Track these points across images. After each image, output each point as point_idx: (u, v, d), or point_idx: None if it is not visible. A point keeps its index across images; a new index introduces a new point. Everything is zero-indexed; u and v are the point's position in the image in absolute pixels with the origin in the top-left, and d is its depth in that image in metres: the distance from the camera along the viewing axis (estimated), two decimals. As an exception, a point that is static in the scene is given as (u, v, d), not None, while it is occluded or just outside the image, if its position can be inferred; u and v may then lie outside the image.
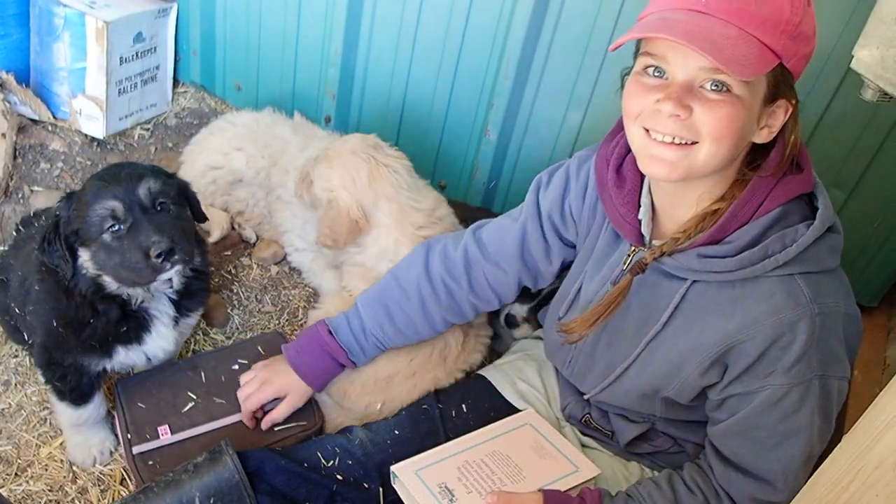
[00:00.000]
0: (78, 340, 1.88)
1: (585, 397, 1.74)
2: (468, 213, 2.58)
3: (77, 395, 1.97)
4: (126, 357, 1.95)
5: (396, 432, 1.81)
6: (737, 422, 1.44)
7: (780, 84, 1.29)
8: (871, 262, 2.21)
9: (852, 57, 1.41)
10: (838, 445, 1.09)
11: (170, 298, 1.97)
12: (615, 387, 1.63)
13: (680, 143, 1.30)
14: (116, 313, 1.89)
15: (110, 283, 1.86)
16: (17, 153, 2.74)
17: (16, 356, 2.27)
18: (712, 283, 1.41)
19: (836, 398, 1.41)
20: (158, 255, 1.71)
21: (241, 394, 1.97)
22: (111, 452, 2.10)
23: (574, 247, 1.76)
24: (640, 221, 1.51)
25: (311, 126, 2.76)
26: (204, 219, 2.01)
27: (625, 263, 1.54)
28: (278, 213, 2.60)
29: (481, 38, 2.39)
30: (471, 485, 1.60)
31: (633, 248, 1.53)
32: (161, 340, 1.98)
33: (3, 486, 1.98)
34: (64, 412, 2.03)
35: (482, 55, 2.42)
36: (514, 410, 1.85)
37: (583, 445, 1.82)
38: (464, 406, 1.88)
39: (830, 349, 1.37)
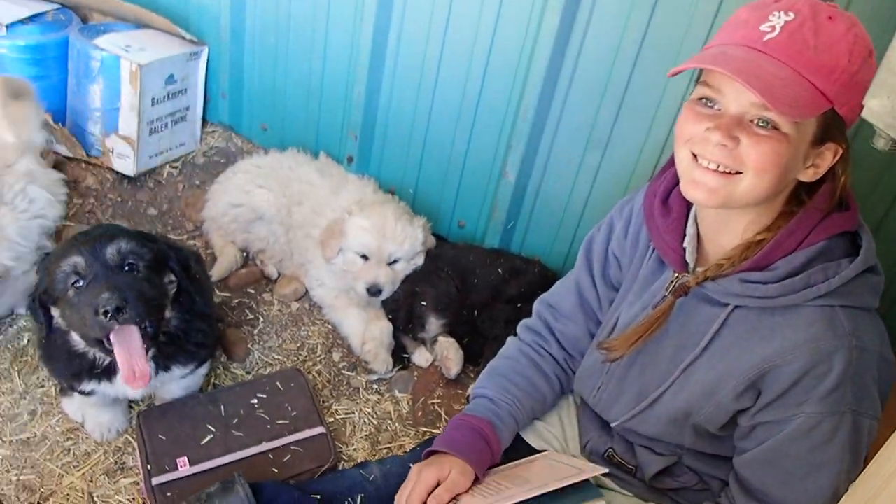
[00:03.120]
0: (55, 371, 2.06)
1: (613, 424, 1.74)
2: (483, 255, 2.64)
3: (78, 392, 2.10)
4: (98, 388, 2.03)
5: (410, 465, 1.82)
6: (766, 450, 1.44)
7: (831, 128, 1.32)
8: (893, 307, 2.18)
9: (863, 106, 1.44)
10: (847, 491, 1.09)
11: None
12: (646, 413, 1.63)
13: (724, 172, 1.34)
14: (86, 363, 1.96)
15: (77, 342, 1.93)
16: (51, 189, 2.84)
17: (42, 386, 2.33)
18: (753, 308, 1.43)
19: (865, 437, 1.41)
20: (105, 313, 1.71)
21: (400, 495, 1.69)
22: (119, 432, 2.23)
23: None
24: (684, 249, 1.55)
25: (337, 167, 2.84)
26: (189, 287, 2.00)
27: (667, 290, 1.56)
28: (304, 249, 2.67)
29: (500, 82, 2.44)
30: (475, 492, 1.62)
31: (676, 275, 1.55)
32: (128, 387, 1.95)
33: (25, 515, 2.02)
34: (72, 402, 2.22)
35: (501, 98, 2.47)
36: (533, 451, 1.86)
37: (599, 486, 1.81)
38: None
39: (865, 386, 1.37)
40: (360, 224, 2.48)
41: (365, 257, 2.50)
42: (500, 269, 2.56)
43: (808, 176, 1.38)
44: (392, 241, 2.48)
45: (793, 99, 1.24)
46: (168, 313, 1.96)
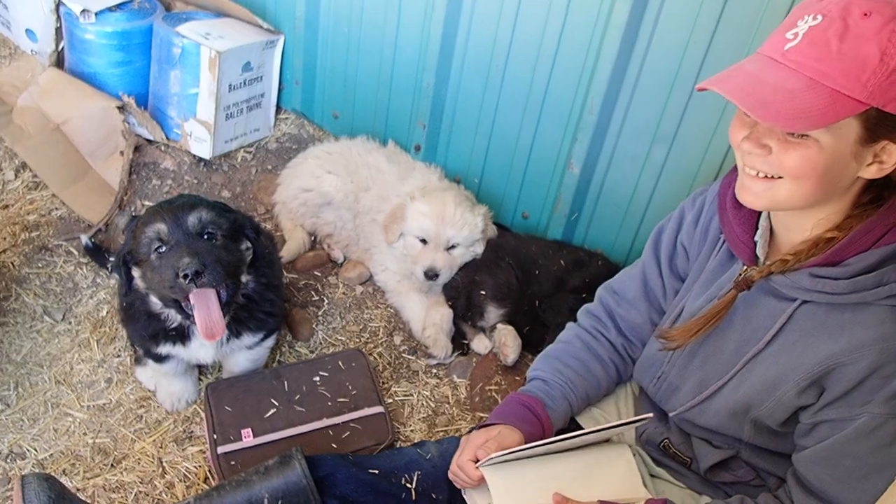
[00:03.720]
0: (135, 332, 2.15)
1: (672, 414, 1.74)
2: (545, 246, 2.65)
3: (151, 358, 2.22)
4: (173, 351, 2.14)
5: None
6: (826, 448, 1.43)
7: (880, 126, 1.29)
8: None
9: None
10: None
11: None
12: (706, 405, 1.63)
13: (765, 177, 1.36)
14: (162, 325, 2.07)
15: (155, 303, 2.03)
16: (133, 170, 2.97)
17: (118, 356, 2.45)
18: (822, 304, 1.42)
19: None
20: (185, 276, 1.82)
21: (452, 465, 1.72)
22: (188, 402, 2.34)
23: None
24: (755, 243, 1.55)
25: (404, 154, 2.89)
26: (264, 254, 2.12)
27: (734, 281, 1.56)
28: (370, 234, 2.73)
29: (568, 74, 2.45)
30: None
31: (745, 267, 1.55)
32: (201, 350, 2.14)
33: (100, 475, 2.13)
34: (145, 370, 2.34)
35: (568, 90, 2.48)
36: None
37: (653, 476, 1.81)
38: None
39: None
40: (420, 209, 2.53)
41: (424, 241, 2.54)
42: (562, 261, 2.57)
43: (871, 173, 1.35)
44: (450, 226, 2.52)
45: (801, 110, 1.22)
46: (244, 278, 2.05)
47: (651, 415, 1.70)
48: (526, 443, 1.65)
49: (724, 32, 2.11)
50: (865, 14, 1.22)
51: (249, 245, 2.05)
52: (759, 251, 1.54)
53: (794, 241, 1.48)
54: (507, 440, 1.65)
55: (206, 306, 1.91)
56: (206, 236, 1.91)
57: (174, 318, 2.05)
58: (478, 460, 1.62)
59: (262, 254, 2.10)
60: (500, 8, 2.47)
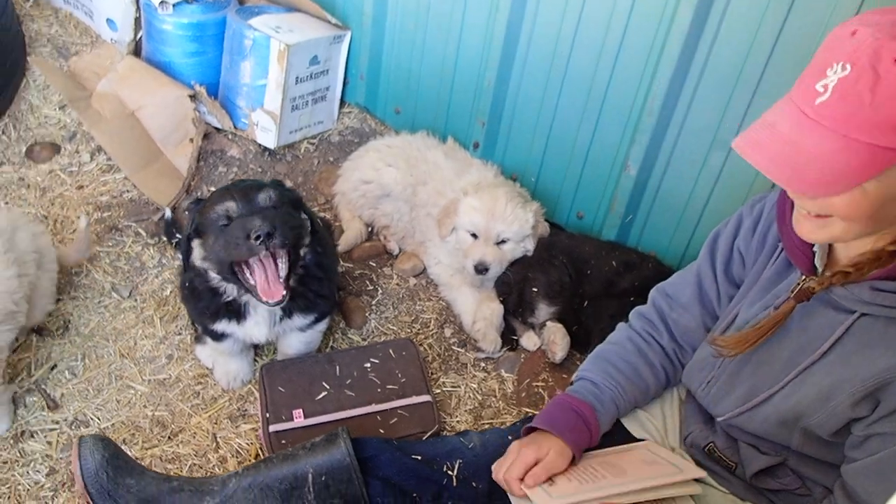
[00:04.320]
0: (195, 309, 2.23)
1: (719, 419, 1.73)
2: (599, 247, 2.66)
3: (209, 336, 2.31)
4: (229, 328, 2.21)
5: (510, 438, 1.88)
6: (877, 461, 1.41)
7: None
8: None
9: None
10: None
11: None
12: (755, 412, 1.62)
13: (817, 216, 1.35)
14: (218, 302, 2.15)
15: (213, 278, 2.11)
16: (201, 156, 3.08)
17: (179, 334, 2.55)
18: (880, 317, 1.40)
19: None
20: (258, 238, 1.88)
21: (498, 468, 1.75)
22: (243, 381, 2.42)
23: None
24: (814, 253, 1.53)
25: (462, 151, 2.93)
26: (319, 230, 2.20)
27: (791, 292, 1.54)
28: (425, 228, 2.78)
29: (628, 75, 2.46)
30: (571, 475, 1.66)
31: (802, 277, 1.54)
32: (255, 329, 2.21)
33: (157, 446, 2.23)
34: (204, 349, 2.43)
35: (628, 92, 2.49)
36: (632, 438, 1.88)
37: (695, 480, 1.81)
38: None
39: None
40: (472, 204, 2.56)
41: (475, 236, 2.58)
42: (614, 262, 2.58)
43: None
44: (500, 221, 2.54)
45: (838, 173, 1.21)
46: (302, 251, 2.12)
47: (704, 473, 1.71)
48: (574, 462, 1.71)
49: (789, 36, 2.09)
50: None
51: (306, 217, 2.13)
52: (818, 261, 1.52)
53: (854, 252, 1.46)
54: (556, 463, 1.68)
55: (265, 270, 2.00)
56: (272, 207, 2.00)
57: (231, 291, 2.13)
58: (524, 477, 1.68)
59: (318, 229, 2.17)
60: (564, 8, 2.49)
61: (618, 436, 1.86)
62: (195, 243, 2.07)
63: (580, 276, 2.58)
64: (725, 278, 1.80)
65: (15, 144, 3.11)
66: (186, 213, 2.10)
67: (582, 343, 2.54)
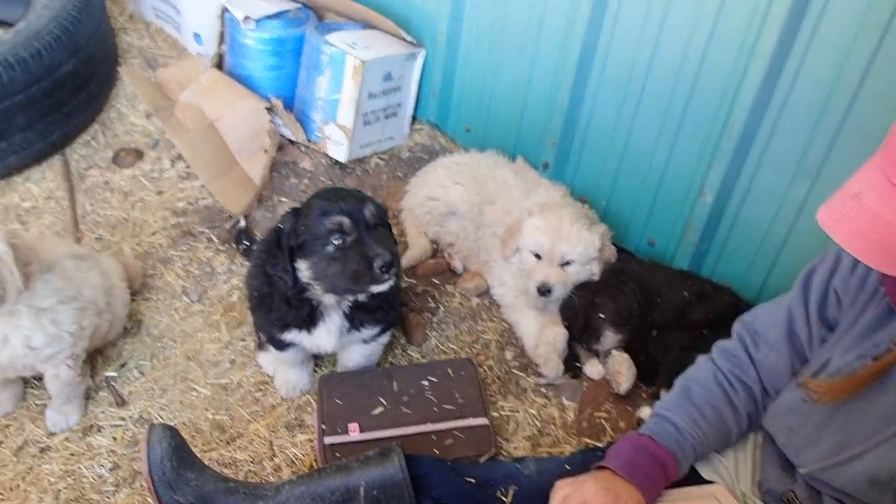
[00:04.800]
0: (266, 320, 2.22)
1: (802, 470, 1.63)
2: (670, 275, 2.58)
3: (273, 345, 2.31)
4: (297, 338, 2.21)
5: (567, 468, 1.82)
6: None
7: None
8: None
9: None
10: None
11: (344, 311, 2.18)
12: (843, 467, 1.51)
13: None
14: (305, 312, 2.14)
15: (316, 292, 2.10)
16: (274, 167, 3.14)
17: (243, 340, 2.58)
18: None
19: None
20: (381, 267, 1.90)
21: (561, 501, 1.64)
22: (302, 391, 2.43)
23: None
24: None
25: (531, 171, 2.90)
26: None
27: (894, 342, 1.45)
28: (490, 247, 2.75)
29: (708, 99, 2.39)
30: None
31: None
32: (324, 339, 2.21)
33: (215, 450, 2.25)
34: (267, 356, 2.44)
35: (707, 115, 2.41)
36: (701, 479, 1.79)
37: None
38: None
39: None
40: (536, 224, 2.52)
41: (538, 257, 2.53)
42: (686, 292, 2.48)
43: None
44: (565, 242, 2.49)
45: None
46: None
47: None
48: None
49: (882, 63, 1.99)
50: None
51: None
52: None
53: None
54: None
55: None
56: (377, 227, 2.00)
57: (328, 302, 2.13)
58: None
59: (397, 244, 2.17)
60: (641, 29, 2.45)
61: (687, 474, 1.76)
62: (301, 264, 2.03)
63: (650, 305, 2.49)
64: (819, 319, 1.67)
65: (103, 150, 3.24)
66: (280, 226, 2.08)
67: (648, 375, 2.46)
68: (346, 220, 1.95)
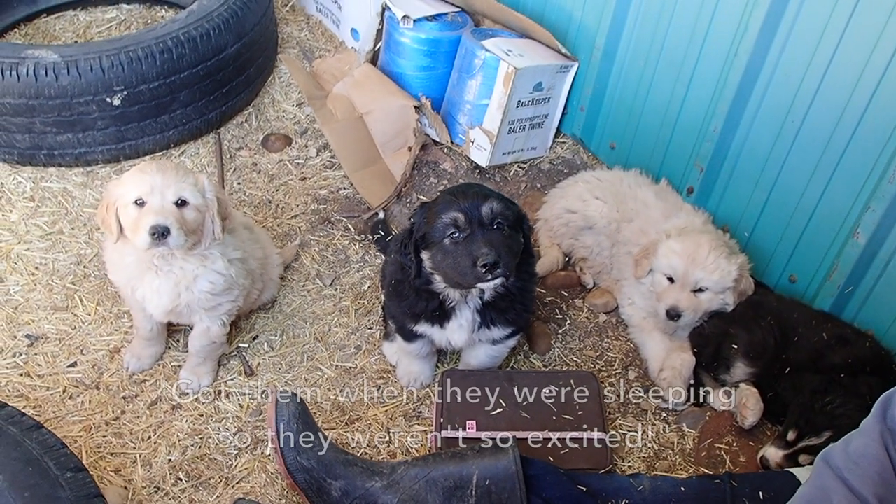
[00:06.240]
0: (399, 308, 2.28)
1: None
2: (810, 315, 2.48)
3: (402, 335, 2.37)
4: (428, 331, 2.27)
5: (682, 489, 1.78)
6: None
7: None
8: None
9: None
10: None
11: (476, 308, 2.21)
12: None
13: None
14: (434, 304, 2.20)
15: (438, 283, 2.15)
16: (416, 165, 3.22)
17: (370, 328, 2.66)
18: None
19: None
20: (484, 266, 1.94)
21: None
22: (423, 384, 2.49)
23: None
24: None
25: (674, 194, 2.85)
26: (530, 253, 2.22)
27: None
28: (623, 266, 2.72)
29: (873, 137, 2.27)
30: None
31: None
32: (455, 334, 2.25)
33: (335, 429, 2.33)
34: (391, 346, 2.52)
35: (869, 155, 2.30)
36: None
37: None
38: (761, 493, 1.79)
39: None
40: (672, 247, 2.48)
41: (671, 280, 2.48)
42: (825, 334, 2.38)
43: None
44: (701, 268, 2.43)
45: None
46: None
47: None
48: None
49: None
50: None
51: (522, 239, 2.14)
52: None
53: None
54: None
55: None
56: (495, 226, 2.03)
57: (453, 296, 2.18)
58: None
59: (530, 249, 2.19)
60: (810, 60, 2.36)
61: None
62: (424, 254, 2.13)
63: (786, 343, 2.40)
64: None
65: (255, 133, 3.41)
66: (411, 219, 2.18)
67: (775, 413, 2.37)
68: (461, 217, 2.01)
